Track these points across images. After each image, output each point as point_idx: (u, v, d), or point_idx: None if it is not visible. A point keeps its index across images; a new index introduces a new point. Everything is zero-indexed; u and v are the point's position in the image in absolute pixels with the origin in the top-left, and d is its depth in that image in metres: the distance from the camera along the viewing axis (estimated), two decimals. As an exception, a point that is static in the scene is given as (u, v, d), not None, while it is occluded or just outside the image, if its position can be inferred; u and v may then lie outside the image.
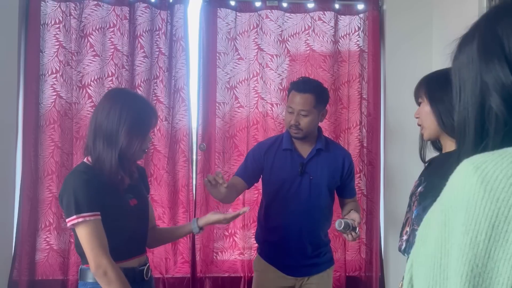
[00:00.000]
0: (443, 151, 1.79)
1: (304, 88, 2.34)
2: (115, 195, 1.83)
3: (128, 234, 1.86)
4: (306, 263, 2.42)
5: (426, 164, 1.90)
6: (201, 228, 2.09)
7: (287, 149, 2.41)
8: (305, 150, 2.42)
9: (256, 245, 2.96)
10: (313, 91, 2.35)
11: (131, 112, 1.83)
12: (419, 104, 1.82)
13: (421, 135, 1.86)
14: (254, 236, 2.95)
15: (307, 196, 2.37)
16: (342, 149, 2.60)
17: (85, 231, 1.72)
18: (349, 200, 2.52)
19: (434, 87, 1.71)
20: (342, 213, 2.48)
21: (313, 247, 2.42)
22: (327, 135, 2.98)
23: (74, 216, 1.72)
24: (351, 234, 2.15)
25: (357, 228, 2.18)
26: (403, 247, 1.81)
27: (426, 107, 1.74)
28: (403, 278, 1.82)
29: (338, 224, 2.13)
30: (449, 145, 1.74)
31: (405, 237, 1.81)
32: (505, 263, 0.55)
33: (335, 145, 2.60)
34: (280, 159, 2.41)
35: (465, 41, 0.75)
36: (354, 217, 2.19)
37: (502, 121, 0.67)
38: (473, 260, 0.56)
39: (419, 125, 1.82)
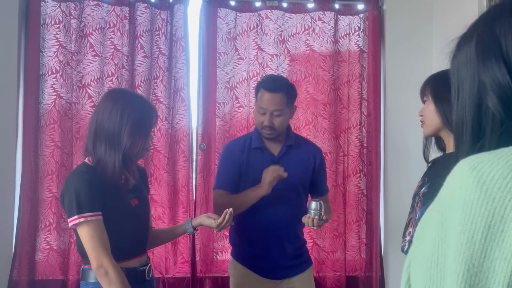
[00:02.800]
0: (447, 151, 1.80)
1: (275, 87, 2.28)
2: (117, 195, 1.84)
3: (129, 234, 1.87)
4: (285, 265, 2.36)
5: (429, 165, 1.91)
6: (195, 229, 2.10)
7: (257, 148, 2.35)
8: (275, 148, 2.37)
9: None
10: (283, 89, 2.30)
11: (132, 112, 1.83)
12: (424, 102, 1.84)
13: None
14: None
15: (279, 193, 2.27)
16: (312, 145, 2.54)
17: (87, 231, 1.73)
18: (322, 198, 2.40)
19: (440, 87, 1.72)
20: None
21: (291, 246, 2.37)
22: (327, 135, 2.99)
23: (76, 216, 1.73)
24: (315, 218, 2.11)
25: (322, 221, 2.14)
26: (405, 247, 1.81)
27: (430, 106, 1.76)
28: None
29: (315, 201, 2.15)
30: (452, 144, 1.75)
31: (408, 238, 1.81)
32: (501, 262, 0.55)
33: (305, 141, 2.54)
34: (253, 158, 2.35)
35: (463, 41, 0.76)
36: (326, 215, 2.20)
37: (499, 120, 0.67)
38: (469, 259, 0.56)
39: (422, 122, 1.84)
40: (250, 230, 2.37)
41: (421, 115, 1.85)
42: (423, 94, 1.82)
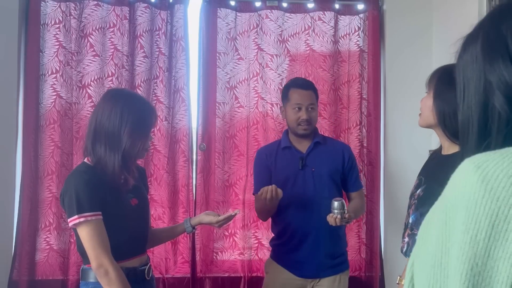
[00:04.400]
0: (442, 150, 1.78)
1: (307, 85, 2.49)
2: (116, 194, 1.83)
3: (129, 234, 1.87)
4: (317, 262, 2.38)
5: (427, 159, 1.90)
6: (193, 228, 2.11)
7: (286, 147, 2.46)
8: (303, 146, 2.46)
9: (256, 245, 2.96)
10: (313, 88, 2.50)
11: (132, 113, 1.83)
12: (426, 92, 1.80)
13: None
14: (254, 236, 2.96)
15: (312, 188, 2.39)
16: (340, 143, 2.68)
17: (87, 231, 1.73)
18: (354, 194, 2.51)
19: (445, 86, 1.65)
20: None
21: (325, 246, 2.39)
22: (327, 135, 2.99)
23: (76, 216, 1.72)
24: (337, 217, 2.15)
25: (345, 219, 2.18)
26: (404, 249, 1.80)
27: (429, 101, 1.71)
28: (399, 277, 1.81)
29: (337, 200, 2.18)
30: (447, 145, 1.73)
31: (406, 239, 1.80)
32: (504, 262, 0.55)
33: (332, 140, 2.68)
34: (281, 157, 2.46)
35: (469, 40, 0.75)
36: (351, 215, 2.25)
37: (505, 120, 0.67)
38: (473, 258, 0.56)
39: (420, 110, 1.82)
40: (284, 229, 2.45)
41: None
42: (428, 84, 1.76)
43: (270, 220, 2.56)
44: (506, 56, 0.68)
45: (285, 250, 2.44)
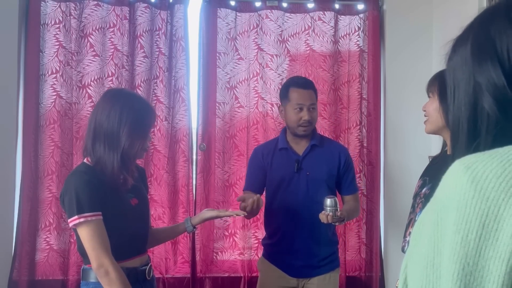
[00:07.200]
0: (448, 151, 1.79)
1: (307, 85, 2.44)
2: (116, 195, 1.83)
3: (130, 234, 1.87)
4: (308, 263, 2.40)
5: (428, 163, 1.90)
6: (194, 227, 2.12)
7: (283, 148, 2.45)
8: (300, 147, 2.44)
9: (256, 245, 2.96)
10: (313, 87, 2.46)
11: (131, 113, 1.83)
12: (429, 97, 1.81)
13: None
14: (254, 236, 2.97)
15: (305, 192, 2.38)
16: (337, 145, 2.63)
17: (87, 231, 1.73)
18: (348, 197, 2.49)
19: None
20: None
21: (317, 245, 2.40)
22: (327, 135, 2.99)
23: (76, 216, 1.72)
24: (330, 214, 2.15)
25: (337, 217, 2.17)
26: (406, 248, 1.81)
27: (434, 104, 1.73)
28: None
29: (330, 197, 2.18)
30: None
31: (408, 238, 1.80)
32: (495, 261, 0.55)
33: (330, 141, 2.63)
34: (277, 158, 2.45)
35: (459, 42, 0.76)
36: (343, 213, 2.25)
37: (494, 120, 0.67)
38: (464, 258, 0.57)
39: (426, 117, 1.82)
40: (275, 230, 2.45)
41: (424, 110, 1.82)
42: (429, 89, 1.79)
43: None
44: (494, 58, 0.68)
45: (276, 251, 2.45)
